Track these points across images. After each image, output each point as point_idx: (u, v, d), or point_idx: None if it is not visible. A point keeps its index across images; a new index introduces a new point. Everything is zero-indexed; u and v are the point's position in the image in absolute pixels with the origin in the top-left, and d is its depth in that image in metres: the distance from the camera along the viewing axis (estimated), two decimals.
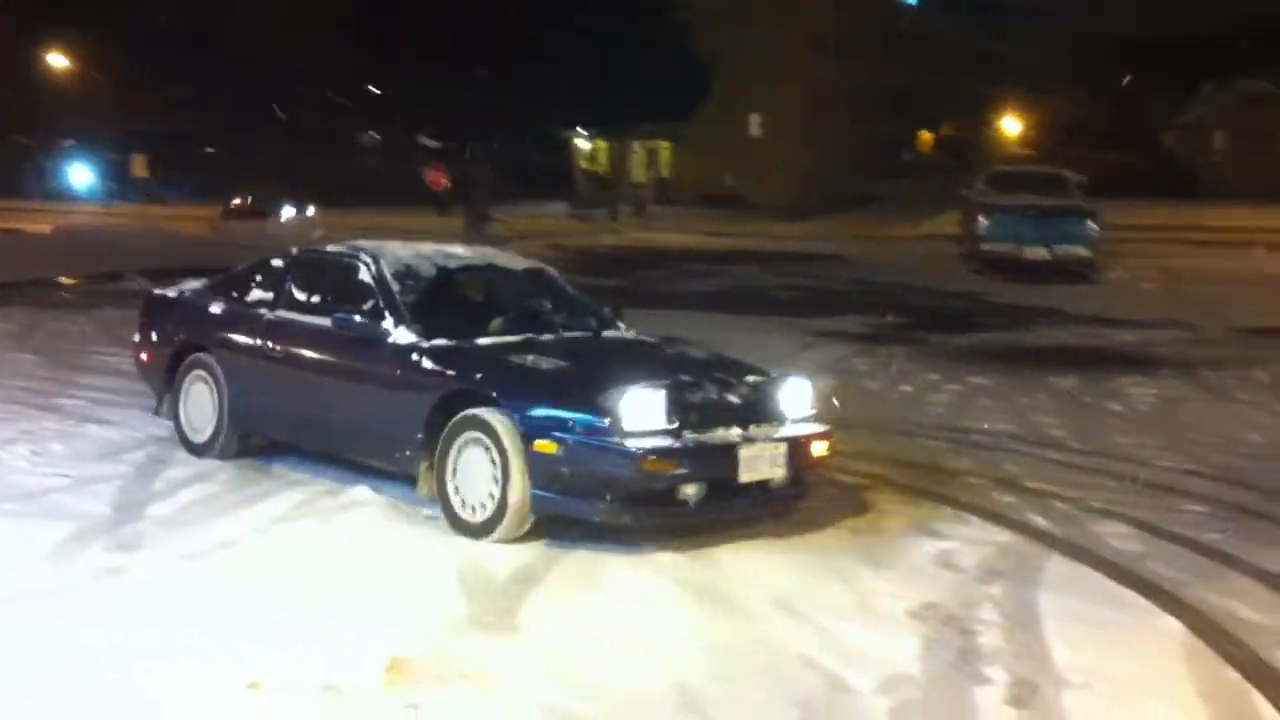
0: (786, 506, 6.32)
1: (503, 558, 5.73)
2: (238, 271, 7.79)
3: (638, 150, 46.69)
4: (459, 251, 7.58)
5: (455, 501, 6.04)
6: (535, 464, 5.75)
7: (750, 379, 6.35)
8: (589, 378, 6.03)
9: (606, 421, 5.68)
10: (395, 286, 6.72)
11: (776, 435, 6.08)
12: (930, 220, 29.62)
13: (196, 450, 7.35)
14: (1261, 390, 11.13)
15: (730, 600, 5.30)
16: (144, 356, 7.96)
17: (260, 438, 7.37)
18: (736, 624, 5.05)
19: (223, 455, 7.25)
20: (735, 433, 5.94)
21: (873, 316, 15.94)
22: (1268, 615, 5.25)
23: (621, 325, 7.34)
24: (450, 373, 6.28)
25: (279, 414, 7.13)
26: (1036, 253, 20.84)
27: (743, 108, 40.30)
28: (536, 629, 4.94)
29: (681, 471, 5.74)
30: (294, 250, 7.64)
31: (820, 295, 18.79)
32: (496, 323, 6.86)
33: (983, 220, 21.60)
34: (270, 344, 7.09)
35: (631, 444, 5.63)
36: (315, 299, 7.12)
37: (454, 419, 6.07)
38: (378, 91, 47.10)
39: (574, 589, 5.42)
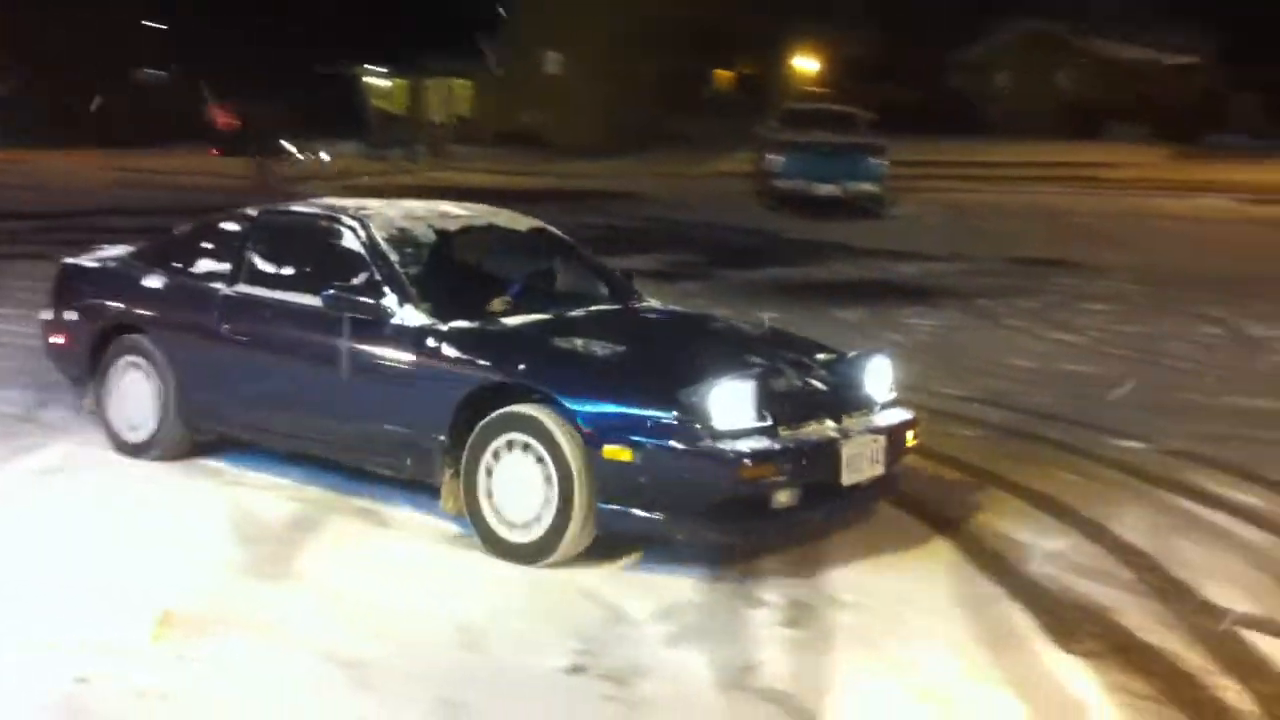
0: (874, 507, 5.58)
1: (281, 507, 5.63)
2: (176, 237, 6.63)
3: (435, 89, 45.92)
4: (453, 210, 6.39)
5: (491, 518, 5.06)
6: (604, 474, 4.80)
7: (822, 357, 5.52)
8: (662, 367, 5.15)
9: (694, 421, 4.76)
10: (394, 256, 5.65)
11: (874, 426, 5.24)
12: (728, 158, 29.97)
13: (132, 450, 6.21)
14: (1030, 316, 11.70)
15: None
16: (58, 338, 6.63)
17: (214, 435, 6.21)
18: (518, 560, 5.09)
19: (166, 455, 6.18)
20: (831, 426, 5.07)
21: (667, 254, 16.10)
22: (1029, 532, 5.54)
23: (639, 293, 6.50)
24: (482, 362, 5.20)
25: (245, 409, 6.00)
26: (827, 189, 21.35)
27: (542, 45, 39.94)
28: (316, 575, 4.88)
29: (781, 477, 4.83)
30: (253, 211, 6.39)
31: (616, 233, 18.83)
32: (509, 296, 5.83)
33: (776, 158, 22.02)
34: (231, 325, 5.95)
35: (726, 447, 4.73)
36: (287, 271, 5.97)
37: (488, 418, 5.06)
38: (160, 27, 45.14)
39: (355, 534, 5.37)
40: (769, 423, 4.88)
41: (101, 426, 6.40)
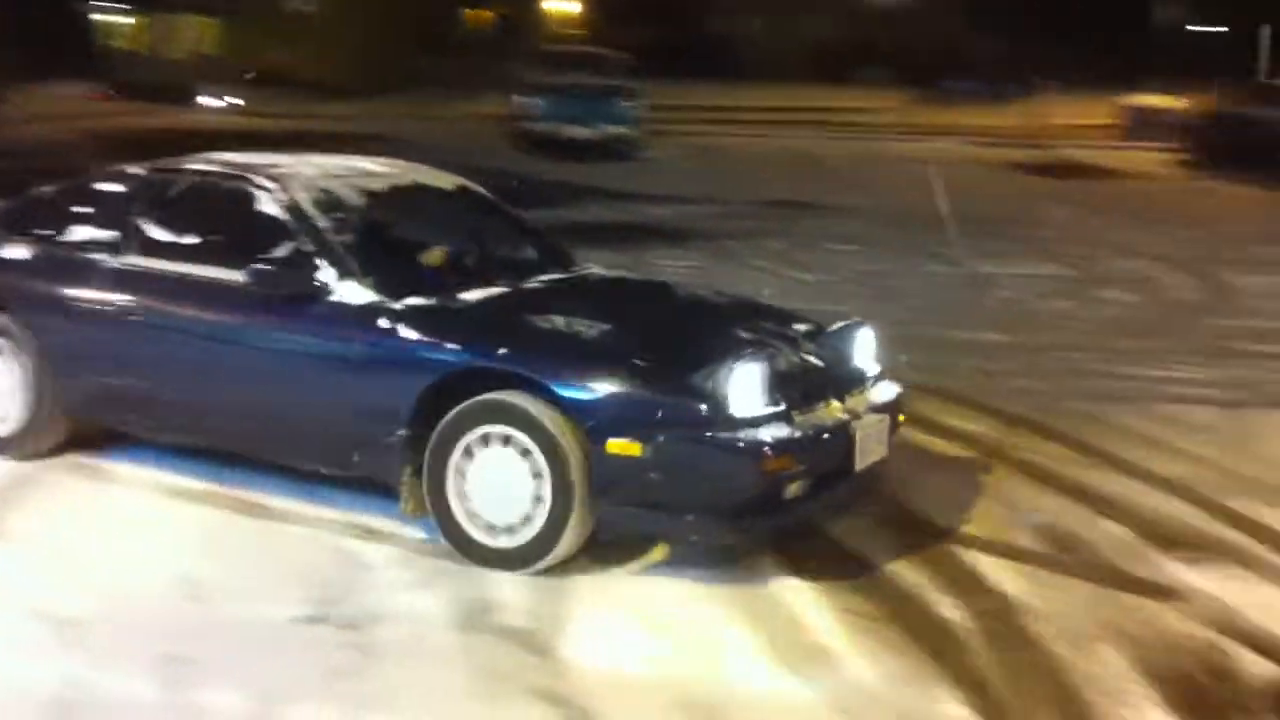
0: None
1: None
2: (38, 198, 5.77)
3: (179, 25, 43.88)
4: (373, 167, 5.69)
5: (464, 521, 4.49)
6: (608, 471, 4.30)
7: (802, 328, 5.08)
8: (659, 348, 4.59)
9: (711, 409, 4.29)
10: (324, 223, 4.95)
11: (877, 405, 4.89)
12: (483, 100, 29.62)
13: None
14: (775, 258, 11.98)
15: (248, 490, 5.16)
16: None
17: (99, 426, 5.46)
18: (255, 515, 4.95)
19: (36, 451, 5.39)
20: (839, 407, 4.69)
21: None
22: None
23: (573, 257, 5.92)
24: (452, 345, 4.59)
25: (139, 399, 5.25)
26: (581, 132, 21.32)
27: None
28: (32, 534, 4.65)
29: (801, 466, 4.39)
30: (138, 170, 5.56)
31: None
32: (445, 264, 5.28)
33: (530, 100, 21.87)
34: (122, 304, 5.16)
35: (747, 436, 4.29)
36: (190, 240, 5.22)
37: (460, 409, 4.47)
38: None
39: (79, 492, 5.14)
40: (783, 407, 4.43)
41: None
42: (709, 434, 4.25)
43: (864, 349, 5.09)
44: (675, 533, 4.46)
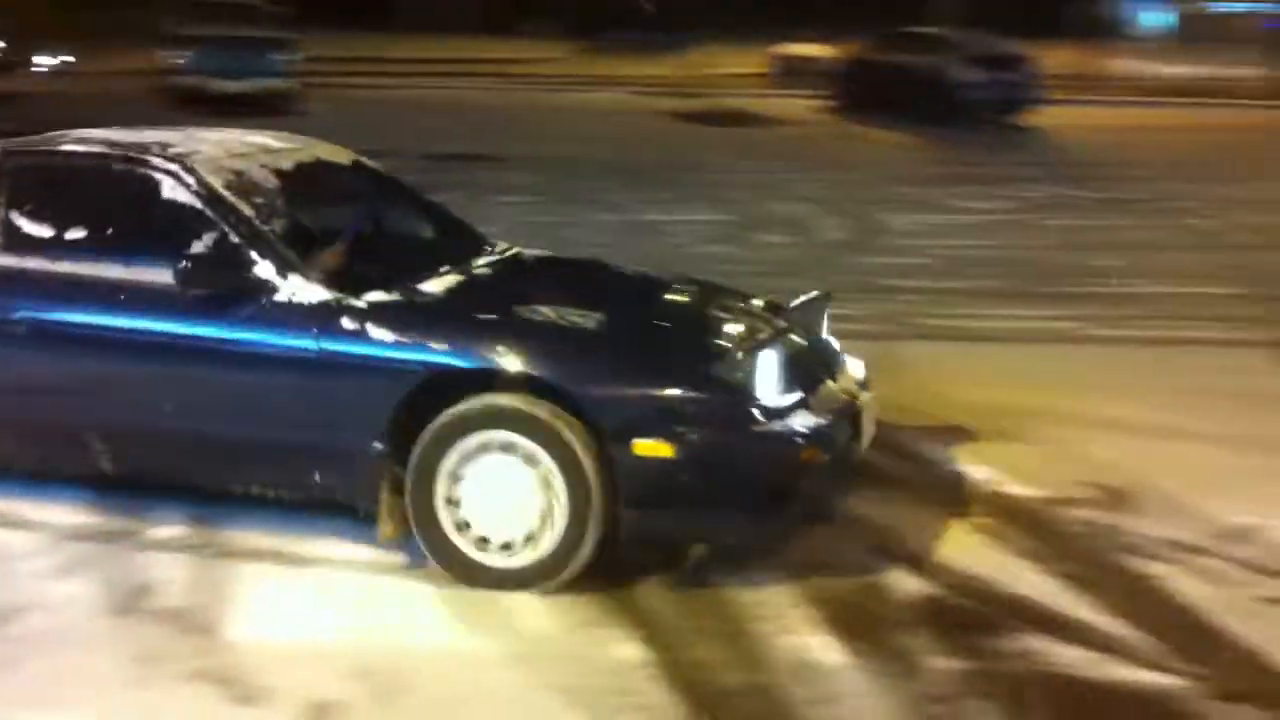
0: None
1: None
2: None
3: None
4: (270, 142, 5.04)
5: (459, 541, 4.03)
6: (636, 474, 3.90)
7: (759, 303, 4.88)
8: (666, 339, 4.37)
9: (742, 401, 4.02)
10: (248, 210, 4.34)
11: (860, 379, 4.69)
12: (132, 54, 27.98)
13: None
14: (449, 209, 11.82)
15: None
16: None
17: None
18: None
19: None
20: (837, 388, 4.50)
21: None
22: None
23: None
24: (437, 346, 4.05)
25: (25, 428, 4.53)
26: (232, 86, 20.43)
27: None
28: None
29: (827, 455, 4.14)
30: None
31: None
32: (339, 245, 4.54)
33: (175, 52, 20.84)
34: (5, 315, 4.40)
35: (781, 427, 4.01)
36: (76, 235, 4.46)
37: (450, 416, 3.99)
38: None
39: None
40: (800, 394, 4.19)
41: None
42: (744, 428, 3.98)
43: (825, 321, 4.91)
44: (708, 534, 4.14)
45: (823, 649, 3.72)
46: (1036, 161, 16.55)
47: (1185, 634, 3.83)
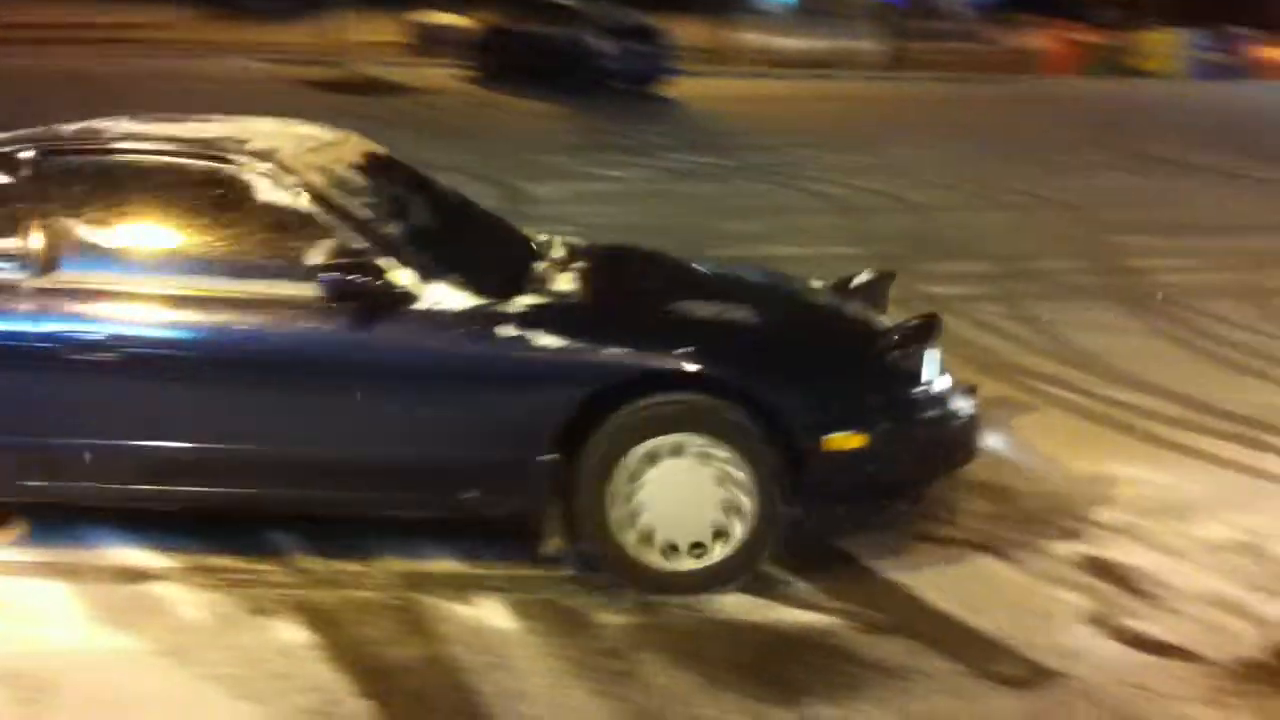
0: None
1: None
2: None
3: None
4: (317, 132, 4.55)
5: (638, 548, 3.84)
6: (827, 467, 3.82)
7: (819, 285, 4.92)
8: (841, 331, 4.40)
9: (919, 388, 4.04)
10: (362, 213, 3.92)
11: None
12: None
13: None
14: None
15: None
16: None
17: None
18: None
19: None
20: None
21: None
22: None
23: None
24: (613, 350, 3.79)
25: (108, 458, 3.85)
26: None
27: None
28: None
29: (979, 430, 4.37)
30: (26, 152, 3.98)
31: None
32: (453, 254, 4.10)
33: None
34: (71, 336, 3.78)
35: (957, 409, 4.10)
36: (153, 247, 3.88)
37: (627, 419, 3.77)
38: None
39: None
40: (946, 375, 4.20)
41: None
42: (926, 414, 4.02)
43: (888, 300, 4.89)
44: (891, 519, 4.21)
45: (492, 615, 3.70)
46: (675, 131, 17.03)
47: (839, 577, 4.02)
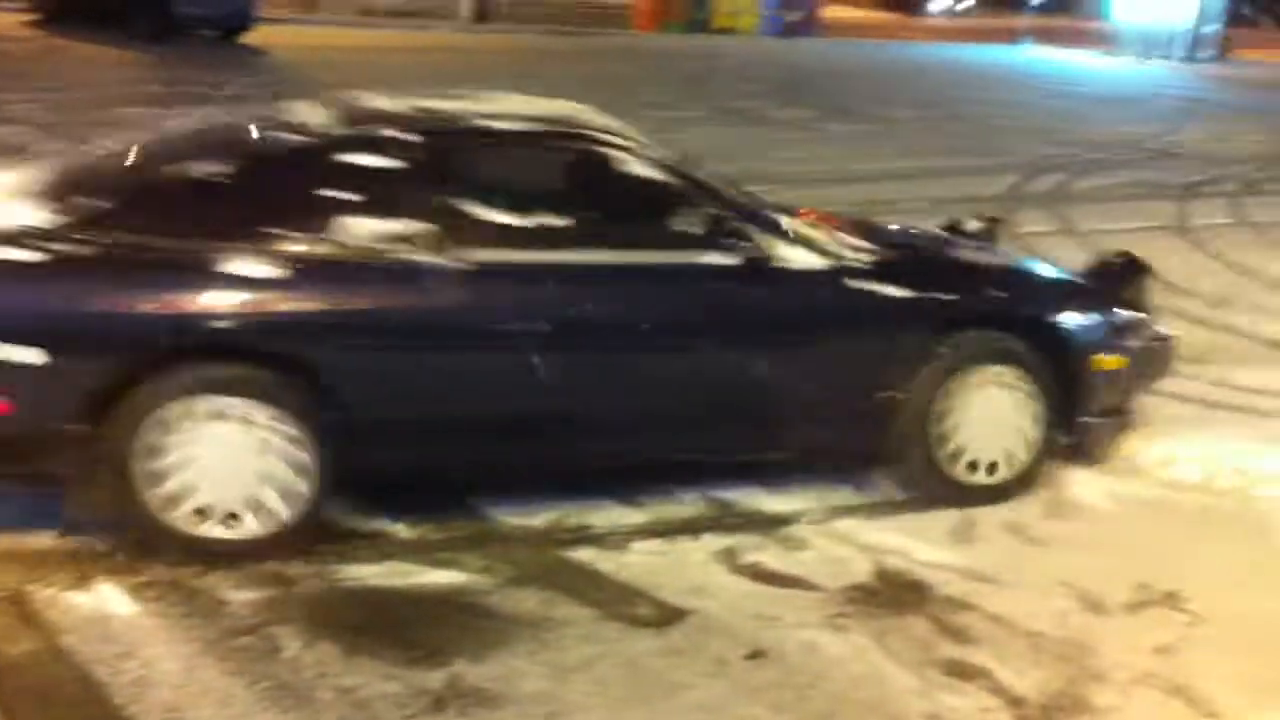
0: None
1: None
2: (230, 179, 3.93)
3: None
4: (569, 106, 4.66)
5: (955, 467, 4.46)
6: (1095, 386, 4.62)
7: (947, 236, 5.37)
8: (1074, 273, 5.15)
9: (1142, 318, 4.81)
10: (716, 184, 4.31)
11: None
12: None
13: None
14: None
15: None
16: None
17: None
18: None
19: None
20: None
21: None
22: None
23: None
24: (942, 296, 4.45)
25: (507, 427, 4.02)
26: None
27: None
28: None
29: None
30: (400, 134, 4.00)
31: None
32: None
33: None
34: (483, 315, 3.93)
35: (1165, 332, 4.95)
36: (539, 223, 3.99)
37: (955, 355, 4.37)
38: None
39: None
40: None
41: None
42: (1158, 338, 4.84)
43: (998, 244, 5.51)
44: (1122, 430, 4.86)
45: (114, 603, 3.47)
46: (265, 82, 16.33)
47: (467, 532, 4.03)
